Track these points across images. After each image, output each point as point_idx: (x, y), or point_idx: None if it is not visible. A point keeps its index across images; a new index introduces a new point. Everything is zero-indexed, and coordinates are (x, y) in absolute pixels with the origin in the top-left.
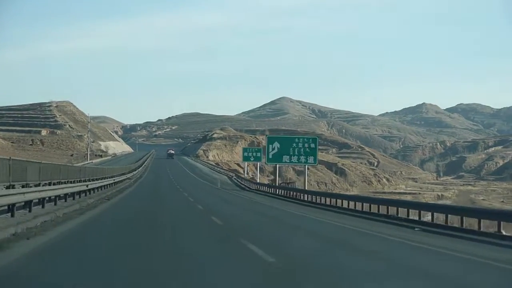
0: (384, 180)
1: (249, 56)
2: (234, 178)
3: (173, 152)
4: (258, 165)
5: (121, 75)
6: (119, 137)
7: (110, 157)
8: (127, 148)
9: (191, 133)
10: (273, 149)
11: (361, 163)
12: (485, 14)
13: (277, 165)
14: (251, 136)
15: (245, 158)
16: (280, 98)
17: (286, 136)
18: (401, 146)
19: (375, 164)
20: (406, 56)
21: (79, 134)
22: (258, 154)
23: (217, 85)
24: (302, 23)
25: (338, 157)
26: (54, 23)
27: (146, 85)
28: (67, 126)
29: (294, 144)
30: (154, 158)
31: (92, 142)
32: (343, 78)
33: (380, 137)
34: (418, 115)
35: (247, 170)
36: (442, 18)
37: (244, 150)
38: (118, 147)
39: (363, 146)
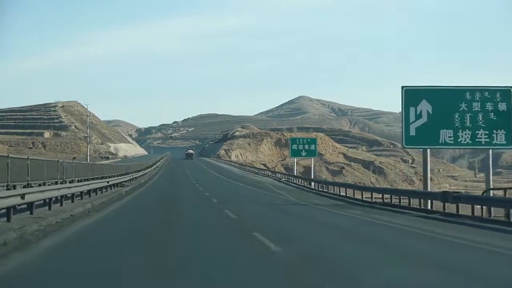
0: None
1: (265, 57)
2: (284, 180)
3: (192, 152)
4: (295, 162)
5: (136, 79)
6: (133, 140)
7: (120, 159)
8: (141, 151)
9: (208, 134)
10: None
11: (395, 161)
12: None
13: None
14: (277, 133)
15: (294, 153)
16: (299, 97)
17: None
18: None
19: (410, 161)
20: (424, 52)
21: (86, 135)
22: (312, 147)
23: (233, 87)
24: (320, 23)
25: (374, 155)
26: (69, 30)
27: (161, 88)
28: (73, 127)
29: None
30: (170, 161)
31: (101, 143)
32: (361, 76)
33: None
34: None
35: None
36: (456, 14)
37: (293, 141)
38: (131, 149)
39: (395, 143)
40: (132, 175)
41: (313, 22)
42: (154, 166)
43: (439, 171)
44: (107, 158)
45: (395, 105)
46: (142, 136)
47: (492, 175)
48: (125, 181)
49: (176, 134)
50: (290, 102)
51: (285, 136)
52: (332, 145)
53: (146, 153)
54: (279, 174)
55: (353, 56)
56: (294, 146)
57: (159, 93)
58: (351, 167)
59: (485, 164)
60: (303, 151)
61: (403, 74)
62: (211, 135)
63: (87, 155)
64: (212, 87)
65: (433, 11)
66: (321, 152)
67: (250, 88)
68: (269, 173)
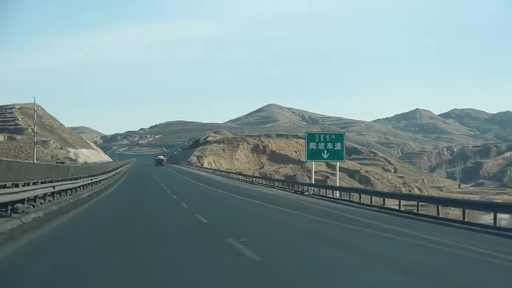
0: (416, 189)
1: (234, 65)
2: (312, 194)
3: (163, 158)
4: (313, 167)
5: (102, 86)
6: (98, 146)
7: (80, 165)
8: (105, 158)
9: (176, 142)
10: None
11: (382, 170)
12: (479, 19)
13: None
14: (254, 139)
15: (312, 155)
16: (268, 105)
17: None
18: (400, 152)
19: (392, 171)
20: (397, 62)
21: (44, 139)
22: (339, 147)
23: (202, 94)
24: (290, 32)
25: (358, 163)
26: (35, 36)
27: (128, 96)
28: (29, 130)
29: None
30: (135, 167)
31: (60, 148)
32: (333, 85)
33: (378, 144)
34: (411, 121)
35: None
36: (433, 24)
37: (310, 137)
38: (94, 155)
39: (376, 151)
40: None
41: (284, 32)
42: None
43: (424, 182)
44: (63, 163)
45: (367, 114)
46: (108, 143)
47: (475, 185)
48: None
49: (143, 141)
50: (260, 110)
51: (263, 142)
52: None
53: (111, 160)
54: (302, 186)
55: (325, 65)
56: (312, 145)
57: (126, 100)
58: (335, 176)
59: (467, 175)
60: (325, 151)
61: (375, 83)
62: (179, 142)
63: (34, 158)
64: (181, 95)
65: (407, 20)
66: (303, 159)
67: (219, 96)
68: (267, 181)
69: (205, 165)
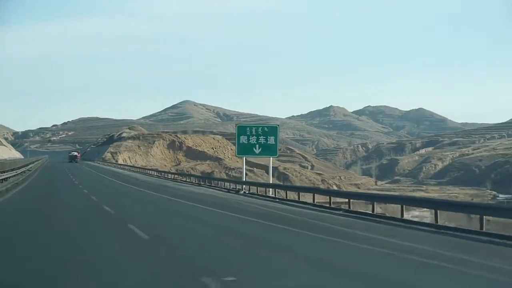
0: (334, 186)
1: (147, 62)
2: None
3: (77, 154)
4: (244, 163)
5: (12, 82)
6: (9, 143)
7: None
8: (16, 155)
9: (89, 138)
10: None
11: (300, 167)
12: (393, 17)
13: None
14: (170, 135)
15: (243, 150)
16: (183, 102)
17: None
18: (315, 149)
19: (309, 167)
20: (311, 60)
21: None
22: (272, 141)
23: (115, 91)
24: (203, 29)
25: (277, 160)
26: None
27: (40, 92)
28: None
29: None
30: (47, 164)
31: None
32: (247, 82)
33: (293, 141)
34: (325, 118)
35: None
36: (348, 25)
37: (241, 130)
38: (4, 152)
39: (293, 148)
40: None
41: (198, 29)
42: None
43: (341, 178)
44: None
45: (281, 111)
46: (19, 139)
47: (392, 182)
48: None
49: (55, 138)
50: (174, 106)
51: (179, 138)
52: (231, 149)
53: (22, 157)
54: (235, 184)
55: (238, 62)
56: (243, 139)
57: (37, 97)
58: (254, 173)
59: (382, 172)
60: (257, 146)
61: (289, 80)
62: (92, 139)
63: None
64: (94, 91)
65: (324, 20)
66: (220, 156)
67: (133, 92)
68: (193, 179)
69: (120, 161)
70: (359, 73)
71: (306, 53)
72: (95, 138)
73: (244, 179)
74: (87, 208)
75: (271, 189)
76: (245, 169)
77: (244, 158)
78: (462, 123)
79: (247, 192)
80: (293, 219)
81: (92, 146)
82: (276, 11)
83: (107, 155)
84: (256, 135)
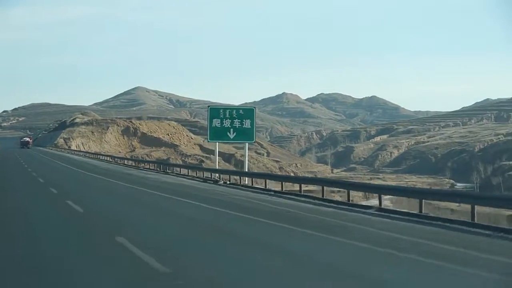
0: (292, 174)
1: (99, 48)
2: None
3: (29, 140)
4: (217, 148)
5: None
6: None
7: None
8: None
9: (41, 124)
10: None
11: (258, 154)
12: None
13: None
14: (125, 121)
15: (215, 134)
16: (135, 88)
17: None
18: (268, 136)
19: (265, 154)
20: (264, 48)
21: None
22: (248, 124)
23: (65, 77)
24: (155, 16)
25: (233, 147)
26: None
27: None
28: None
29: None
30: None
31: None
32: (199, 69)
33: None
34: (279, 105)
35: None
36: (295, 10)
37: (213, 113)
38: None
39: None
40: None
41: (148, 15)
42: None
43: (297, 166)
44: None
45: (234, 98)
46: None
47: (347, 170)
48: None
49: (6, 124)
50: (127, 93)
51: (134, 124)
52: (187, 135)
53: None
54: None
55: (191, 48)
56: (216, 122)
57: None
58: (211, 160)
59: (338, 159)
60: (231, 130)
61: (242, 67)
62: (43, 125)
63: None
64: (45, 77)
65: (277, 8)
66: (176, 143)
67: (84, 78)
68: (157, 166)
69: (73, 147)
70: (311, 60)
71: (257, 40)
72: (47, 124)
73: (216, 167)
74: (50, 206)
75: (247, 178)
76: (201, 156)
77: (217, 144)
78: (415, 111)
79: (228, 182)
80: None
81: (44, 132)
82: None
83: (60, 141)
84: (230, 118)
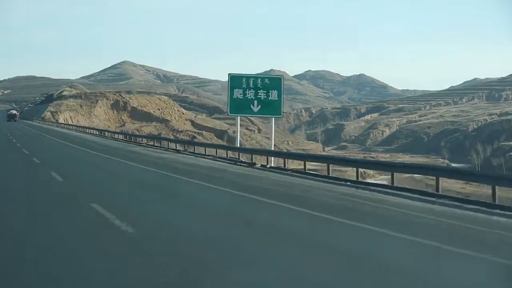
0: (285, 151)
1: (84, 22)
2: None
3: (16, 113)
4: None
5: None
6: None
7: None
8: None
9: (26, 97)
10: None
11: (251, 131)
12: None
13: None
14: (114, 94)
15: (237, 107)
16: (122, 62)
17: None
18: None
19: (256, 131)
20: (250, 24)
21: None
22: (275, 96)
23: (52, 50)
24: None
25: (226, 123)
26: None
27: None
28: None
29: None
30: None
31: None
32: (186, 44)
33: None
34: None
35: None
36: None
37: (235, 82)
38: None
39: None
40: None
41: None
42: None
43: (289, 143)
44: None
45: (222, 74)
46: None
47: (338, 148)
48: None
49: None
50: (113, 67)
51: (124, 98)
52: (178, 111)
53: None
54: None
55: (178, 24)
56: (238, 93)
57: None
58: (203, 136)
59: (328, 137)
60: (256, 103)
61: (230, 42)
62: (29, 98)
63: None
64: (31, 49)
65: None
66: (167, 118)
67: (70, 52)
68: (156, 142)
69: (61, 121)
70: (299, 37)
71: (245, 16)
72: (33, 97)
73: (238, 145)
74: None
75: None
76: (193, 132)
77: (238, 118)
78: (402, 89)
79: (267, 165)
80: None
81: (30, 105)
82: None
83: (47, 114)
84: (254, 89)
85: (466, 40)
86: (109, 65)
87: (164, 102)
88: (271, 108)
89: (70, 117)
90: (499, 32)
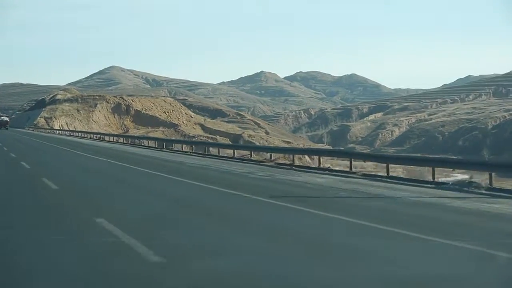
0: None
1: (72, 27)
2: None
3: (7, 119)
4: None
5: None
6: None
7: None
8: None
9: (13, 105)
10: None
11: (266, 134)
12: None
13: None
14: (115, 97)
15: None
16: (110, 67)
17: None
18: (252, 115)
19: (263, 133)
20: (241, 25)
21: None
22: None
23: (37, 57)
24: None
25: (238, 127)
26: None
27: None
28: None
29: None
30: None
31: None
32: (174, 48)
33: (228, 107)
34: (257, 84)
35: None
36: None
37: None
38: None
39: (243, 114)
40: None
41: None
42: None
43: (298, 146)
44: None
45: (212, 77)
46: None
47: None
48: None
49: None
50: (101, 72)
51: (126, 100)
52: (186, 114)
53: None
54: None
55: (166, 26)
56: None
57: None
58: (217, 141)
59: (333, 139)
60: None
61: (219, 45)
62: (16, 105)
63: None
64: (16, 56)
65: None
66: (174, 122)
67: (57, 58)
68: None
69: (56, 127)
70: (289, 38)
71: (234, 18)
72: (19, 105)
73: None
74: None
75: None
76: (206, 136)
77: None
78: (395, 88)
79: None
80: None
81: (17, 112)
82: None
83: (40, 121)
84: None
85: (457, 37)
86: (97, 71)
87: (170, 104)
88: None
89: (66, 123)
90: (492, 29)
